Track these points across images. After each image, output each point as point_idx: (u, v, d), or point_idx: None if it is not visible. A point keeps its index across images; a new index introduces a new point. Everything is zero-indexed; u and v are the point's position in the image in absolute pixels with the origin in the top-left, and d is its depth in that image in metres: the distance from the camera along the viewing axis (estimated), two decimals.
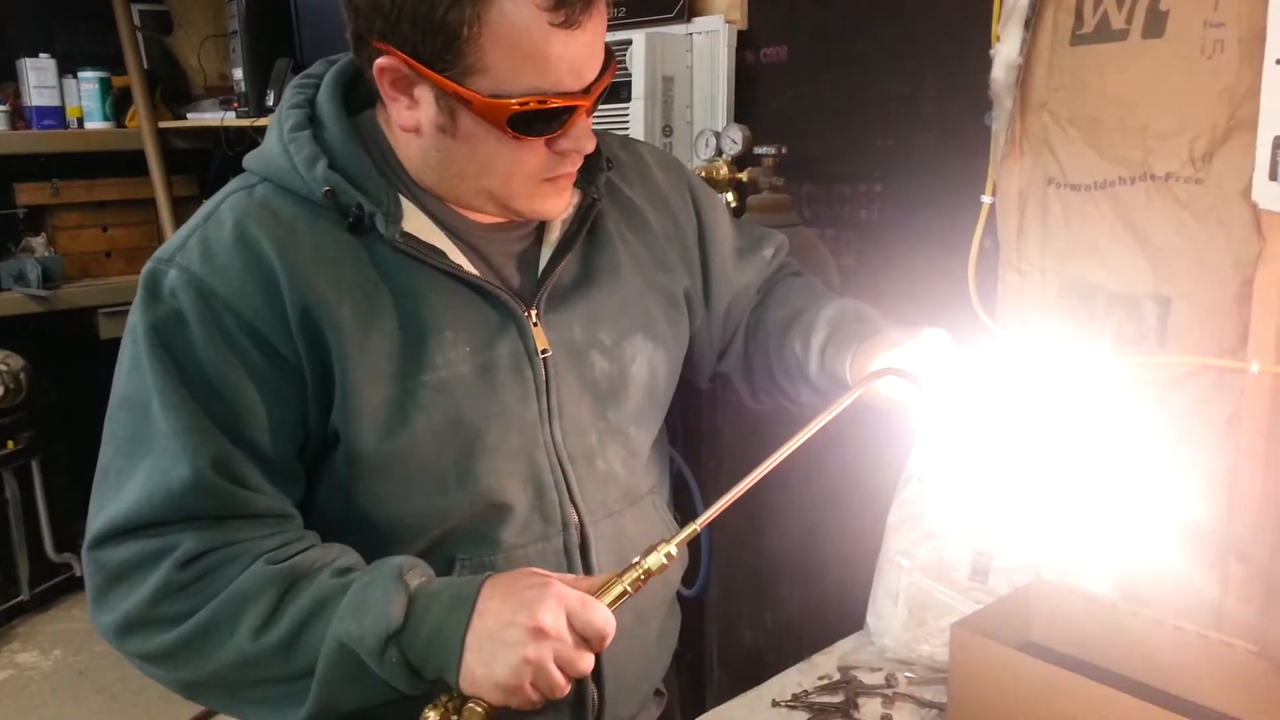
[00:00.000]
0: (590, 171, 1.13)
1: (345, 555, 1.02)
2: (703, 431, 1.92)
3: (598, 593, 0.94)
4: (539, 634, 0.90)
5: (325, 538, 1.05)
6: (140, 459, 0.98)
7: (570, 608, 0.92)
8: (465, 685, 0.92)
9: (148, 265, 1.02)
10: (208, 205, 1.05)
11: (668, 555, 0.96)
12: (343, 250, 1.02)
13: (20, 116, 3.60)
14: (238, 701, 1.01)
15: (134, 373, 0.99)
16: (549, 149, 1.01)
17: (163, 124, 3.73)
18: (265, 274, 0.99)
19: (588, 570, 1.13)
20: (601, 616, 0.92)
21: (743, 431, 1.87)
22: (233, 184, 1.07)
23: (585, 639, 0.92)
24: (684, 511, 1.31)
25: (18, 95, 3.60)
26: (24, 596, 3.44)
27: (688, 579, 1.41)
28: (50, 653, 3.27)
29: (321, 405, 1.02)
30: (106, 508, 0.99)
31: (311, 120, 1.05)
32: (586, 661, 0.93)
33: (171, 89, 3.84)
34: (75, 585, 3.59)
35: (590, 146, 1.03)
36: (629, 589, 0.95)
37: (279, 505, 1.02)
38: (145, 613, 0.97)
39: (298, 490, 1.05)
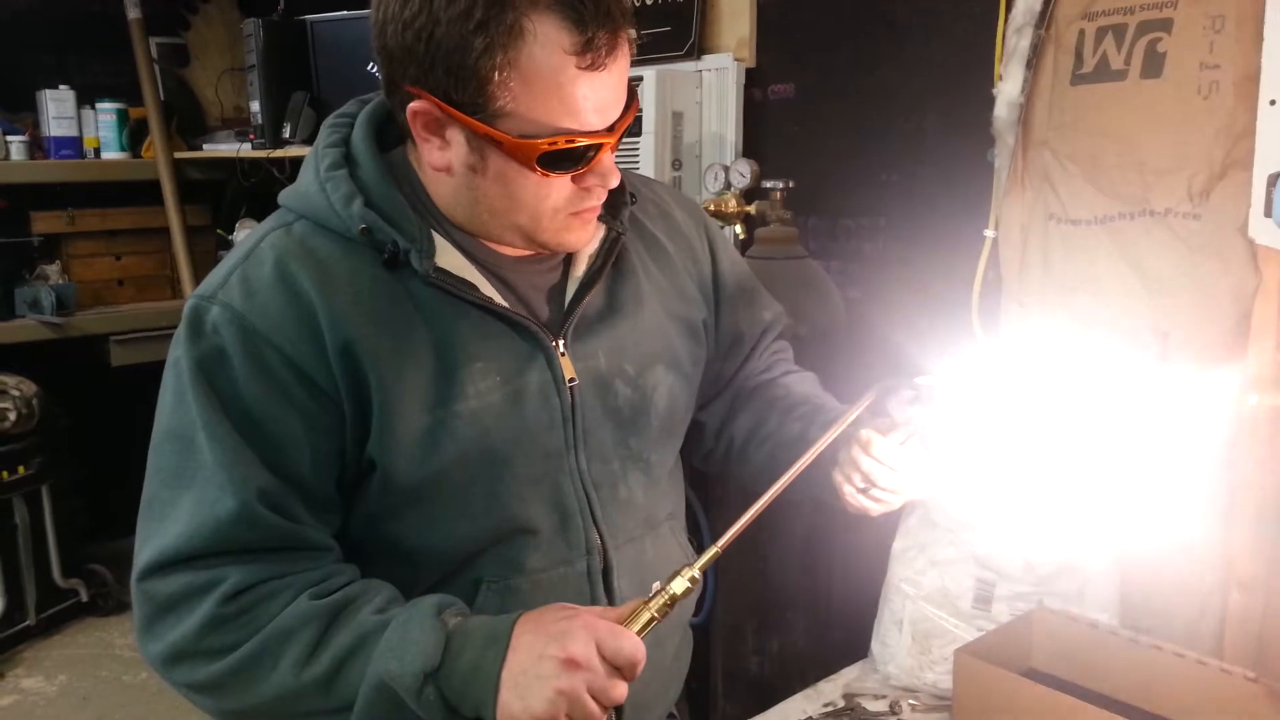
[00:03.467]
0: (615, 207, 1.16)
1: (384, 591, 1.04)
2: None
3: (626, 621, 0.96)
4: (571, 665, 0.91)
5: (354, 563, 1.08)
6: (185, 491, 1.00)
7: (600, 637, 0.93)
8: None
9: (190, 302, 1.05)
10: (247, 242, 1.09)
11: (691, 579, 0.98)
12: (378, 285, 1.05)
13: (38, 146, 3.64)
14: None
15: (178, 406, 1.02)
16: (575, 185, 1.04)
17: (178, 155, 3.78)
18: (305, 310, 1.01)
19: (609, 594, 1.15)
20: (631, 644, 0.93)
21: None
22: (270, 220, 1.10)
23: (617, 667, 0.93)
24: (693, 540, 1.33)
25: (36, 126, 3.65)
26: (30, 621, 3.42)
27: (694, 608, 1.42)
28: (55, 678, 3.26)
29: (359, 436, 1.04)
30: (153, 539, 1.01)
31: (346, 159, 1.09)
32: (620, 690, 0.94)
33: (187, 120, 3.89)
34: (81, 610, 3.59)
35: (615, 181, 1.06)
36: (656, 615, 0.96)
37: (320, 538, 1.05)
38: (192, 644, 0.99)
39: (337, 520, 1.08)
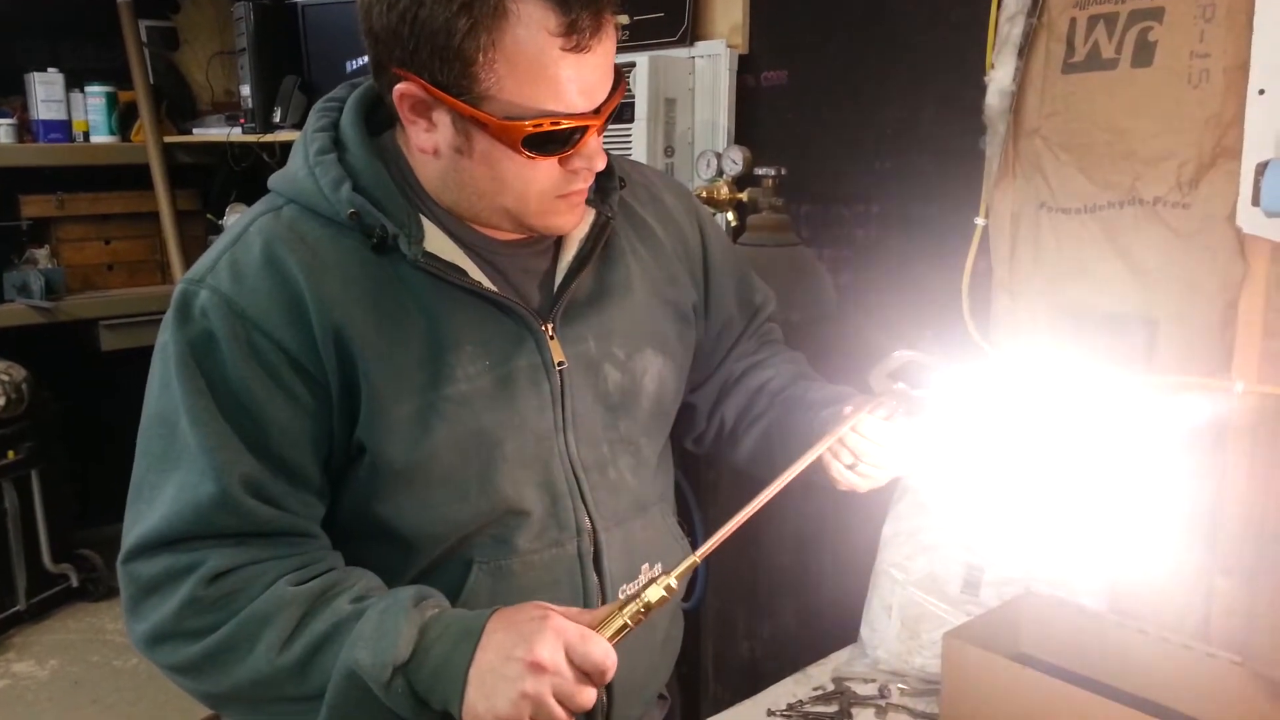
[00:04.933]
0: (604, 191, 1.16)
1: (364, 580, 1.04)
2: None
3: (599, 626, 0.94)
4: (537, 668, 0.90)
5: (346, 547, 1.08)
6: (170, 474, 1.01)
7: (569, 642, 0.92)
8: (468, 719, 0.94)
9: (179, 286, 1.05)
10: (236, 226, 1.08)
11: (667, 588, 0.97)
12: (367, 270, 1.05)
13: (27, 130, 3.63)
14: (259, 715, 1.04)
15: (164, 390, 1.02)
16: (562, 167, 1.04)
17: (168, 139, 3.77)
18: (293, 295, 1.02)
19: (600, 575, 1.15)
20: (600, 650, 0.92)
21: None
22: (260, 205, 1.10)
23: (586, 673, 0.92)
24: (682, 524, 1.33)
25: (25, 109, 3.63)
26: (21, 606, 3.43)
27: (685, 592, 1.43)
28: (46, 663, 3.27)
29: (347, 420, 1.04)
30: (139, 522, 1.02)
31: (336, 143, 1.09)
32: (587, 696, 0.92)
33: (177, 104, 3.88)
34: (72, 596, 3.59)
35: (601, 164, 1.06)
36: (629, 622, 0.95)
37: (303, 524, 1.05)
38: (173, 626, 0.99)
39: (324, 505, 1.08)
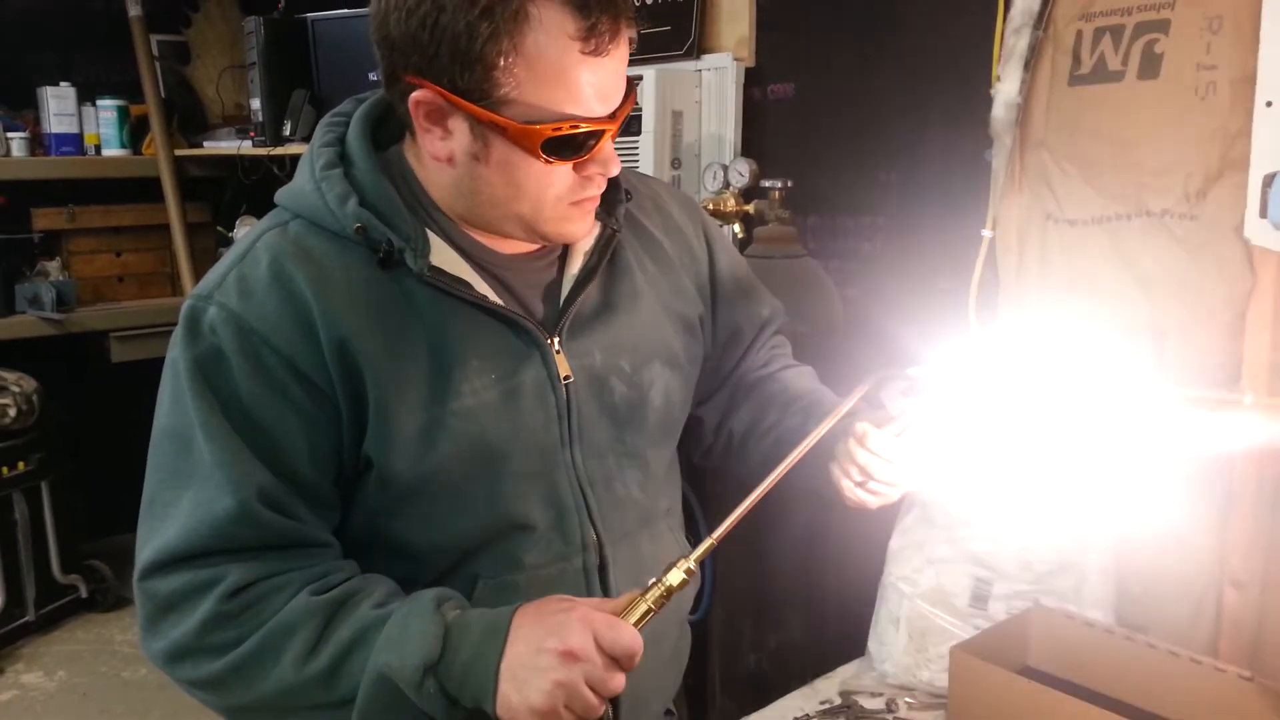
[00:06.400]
0: (610, 203, 1.16)
1: (384, 585, 1.04)
2: None
3: (623, 613, 0.96)
4: (568, 657, 0.92)
5: (352, 560, 1.08)
6: (184, 490, 1.01)
7: (597, 629, 0.93)
8: (502, 712, 0.94)
9: (187, 302, 1.05)
10: (244, 241, 1.09)
11: (687, 571, 0.98)
12: (373, 284, 1.05)
13: (39, 143, 3.66)
14: None
15: (175, 406, 1.02)
16: (576, 173, 1.04)
17: (179, 152, 3.80)
18: (300, 310, 1.02)
19: (606, 590, 1.15)
20: (628, 635, 0.94)
21: None
22: (267, 220, 1.11)
23: (614, 659, 0.93)
24: (690, 537, 1.33)
25: (37, 122, 3.66)
26: (30, 617, 3.44)
27: (692, 605, 1.42)
28: (55, 674, 3.27)
29: (355, 434, 1.05)
30: (154, 539, 1.02)
31: (342, 158, 1.09)
32: (618, 681, 0.94)
33: (188, 118, 3.91)
34: (81, 606, 3.60)
35: (616, 169, 1.07)
36: (653, 607, 0.97)
37: (320, 535, 1.06)
38: (194, 642, 1.00)
39: (336, 517, 1.08)
